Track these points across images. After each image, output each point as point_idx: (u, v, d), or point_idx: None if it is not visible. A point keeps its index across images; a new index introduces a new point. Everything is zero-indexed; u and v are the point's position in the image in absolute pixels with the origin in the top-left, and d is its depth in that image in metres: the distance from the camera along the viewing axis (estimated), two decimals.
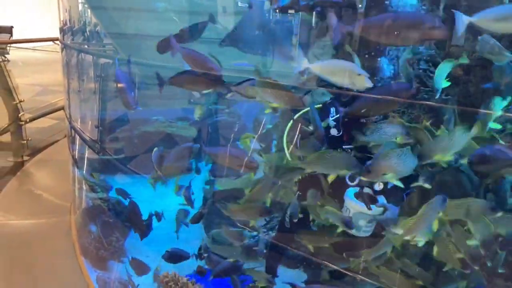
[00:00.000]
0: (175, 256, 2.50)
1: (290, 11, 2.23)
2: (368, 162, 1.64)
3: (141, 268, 2.66)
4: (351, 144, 1.86)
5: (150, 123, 3.31)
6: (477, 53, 1.68)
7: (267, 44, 2.30)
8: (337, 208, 1.87)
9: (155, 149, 2.29)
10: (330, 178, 1.77)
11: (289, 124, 1.92)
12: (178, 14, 2.68)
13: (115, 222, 3.02)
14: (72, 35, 3.38)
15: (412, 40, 1.47)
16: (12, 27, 12.61)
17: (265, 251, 2.27)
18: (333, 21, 1.64)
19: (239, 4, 2.56)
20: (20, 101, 5.28)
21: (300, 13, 2.08)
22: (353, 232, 1.83)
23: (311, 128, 1.84)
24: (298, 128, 1.91)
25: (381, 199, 1.84)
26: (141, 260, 2.69)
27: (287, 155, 1.91)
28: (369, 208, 1.76)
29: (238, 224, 2.16)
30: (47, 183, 4.68)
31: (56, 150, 5.49)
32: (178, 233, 2.61)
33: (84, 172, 3.38)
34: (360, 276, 1.85)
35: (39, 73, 10.57)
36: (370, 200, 1.81)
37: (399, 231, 1.63)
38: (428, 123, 1.71)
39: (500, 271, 1.65)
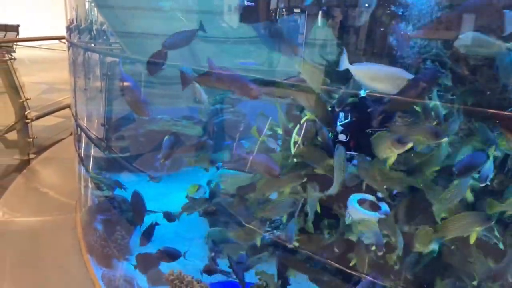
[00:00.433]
0: (167, 255, 2.50)
1: (296, 10, 2.23)
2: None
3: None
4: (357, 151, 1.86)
5: (155, 122, 3.32)
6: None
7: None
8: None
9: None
10: None
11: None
12: (185, 13, 2.69)
13: (120, 219, 3.03)
14: (79, 34, 3.40)
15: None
16: (18, 25, 12.66)
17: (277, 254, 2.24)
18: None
19: (246, 2, 2.56)
20: (27, 99, 5.32)
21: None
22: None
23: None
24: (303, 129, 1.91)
25: (384, 206, 1.83)
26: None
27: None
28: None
29: (244, 223, 2.16)
30: (53, 181, 4.70)
31: (61, 148, 5.52)
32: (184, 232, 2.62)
33: (90, 170, 3.40)
34: None
35: (45, 71, 10.63)
36: (373, 207, 1.80)
37: None
38: None
39: None
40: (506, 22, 1.51)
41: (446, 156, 1.71)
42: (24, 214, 3.86)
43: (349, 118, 1.91)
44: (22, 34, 12.42)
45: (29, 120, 5.30)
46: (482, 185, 1.55)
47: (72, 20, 3.36)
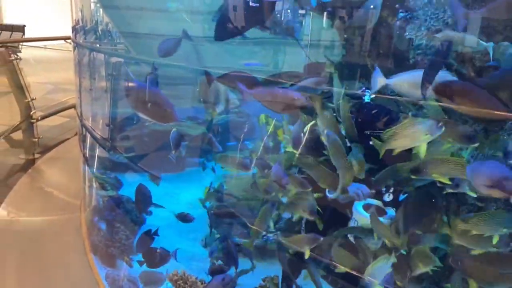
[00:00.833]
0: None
1: (300, 11, 2.22)
2: None
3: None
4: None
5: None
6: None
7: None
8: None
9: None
10: None
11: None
12: (190, 14, 2.69)
13: (124, 219, 3.04)
14: (84, 34, 3.41)
15: None
16: (24, 26, 12.74)
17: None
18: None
19: (250, 3, 2.56)
20: (32, 99, 5.34)
21: None
22: None
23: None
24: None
25: (390, 211, 1.83)
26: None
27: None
28: None
29: (249, 224, 2.16)
30: (58, 181, 4.72)
31: (66, 148, 5.54)
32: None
33: (95, 170, 3.41)
34: None
35: (50, 72, 10.67)
36: (379, 212, 1.79)
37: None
38: None
39: None
40: None
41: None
42: (29, 213, 3.88)
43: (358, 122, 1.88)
44: (28, 34, 12.50)
45: (35, 120, 5.33)
46: None
47: (78, 20, 3.38)
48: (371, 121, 1.75)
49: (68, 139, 5.81)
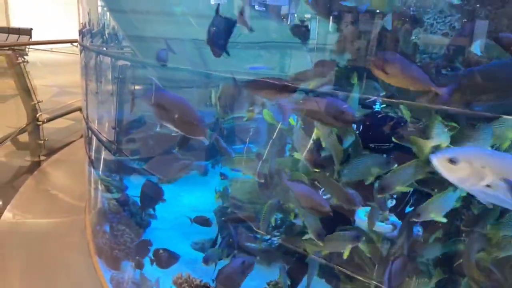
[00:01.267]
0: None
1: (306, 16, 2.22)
2: None
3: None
4: None
5: (166, 125, 3.33)
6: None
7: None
8: None
9: None
10: None
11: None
12: (196, 18, 2.70)
13: (129, 222, 3.04)
14: (91, 37, 3.43)
15: None
16: (31, 29, 12.85)
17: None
18: None
19: (256, 7, 2.56)
20: (38, 102, 5.38)
21: None
22: None
23: None
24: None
25: (393, 217, 1.83)
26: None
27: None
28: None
29: (254, 228, 2.15)
30: (63, 183, 4.74)
31: (72, 150, 5.57)
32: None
33: (100, 172, 3.42)
34: None
35: (56, 74, 10.74)
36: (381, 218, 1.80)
37: None
38: None
39: None
40: None
41: None
42: (35, 215, 3.89)
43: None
44: (35, 37, 12.60)
45: (41, 123, 5.36)
46: None
47: (85, 24, 3.40)
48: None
49: (74, 141, 5.83)
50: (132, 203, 2.96)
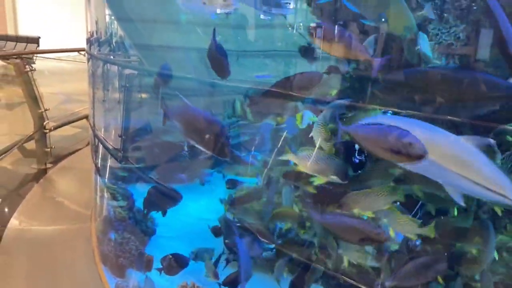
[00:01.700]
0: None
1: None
2: None
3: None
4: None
5: (171, 133, 3.35)
6: None
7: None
8: None
9: None
10: None
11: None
12: (202, 27, 2.72)
13: (134, 230, 3.05)
14: (99, 46, 3.47)
15: None
16: (39, 37, 12.98)
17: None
18: None
19: (261, 16, 2.58)
20: (45, 110, 5.42)
21: None
22: None
23: None
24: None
25: None
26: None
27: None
28: None
29: (258, 236, 2.15)
30: (69, 191, 4.76)
31: (78, 158, 5.59)
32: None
33: (106, 180, 3.43)
34: None
35: (63, 82, 10.83)
36: None
37: None
38: None
39: None
40: None
41: None
42: (41, 222, 3.91)
43: None
44: (42, 46, 12.73)
45: (47, 130, 5.39)
46: None
47: (92, 32, 3.44)
48: None
49: (80, 149, 5.86)
50: (137, 210, 2.97)
